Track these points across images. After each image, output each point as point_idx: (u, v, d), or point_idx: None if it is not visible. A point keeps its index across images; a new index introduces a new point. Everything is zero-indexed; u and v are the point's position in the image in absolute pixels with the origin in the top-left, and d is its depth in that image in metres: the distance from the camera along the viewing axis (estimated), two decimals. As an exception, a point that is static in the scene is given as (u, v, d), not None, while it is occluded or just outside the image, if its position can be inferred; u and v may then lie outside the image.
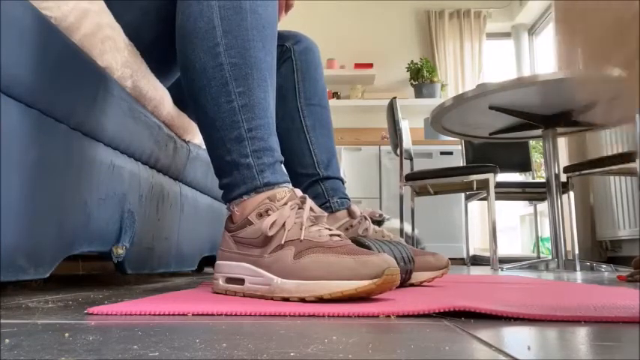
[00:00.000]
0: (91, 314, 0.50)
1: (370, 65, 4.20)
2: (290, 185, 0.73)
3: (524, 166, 3.25)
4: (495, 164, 2.48)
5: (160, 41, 0.87)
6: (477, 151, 3.28)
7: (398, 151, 2.76)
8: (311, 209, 0.69)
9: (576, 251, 2.45)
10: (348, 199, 1.02)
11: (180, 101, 1.04)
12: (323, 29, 4.21)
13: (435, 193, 2.79)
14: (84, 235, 0.69)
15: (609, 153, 2.85)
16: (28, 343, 0.34)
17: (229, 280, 0.70)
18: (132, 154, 0.85)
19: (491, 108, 2.27)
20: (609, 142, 2.95)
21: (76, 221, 0.67)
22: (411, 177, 2.66)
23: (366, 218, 0.99)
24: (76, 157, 0.67)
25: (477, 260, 3.45)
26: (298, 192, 0.71)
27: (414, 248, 0.97)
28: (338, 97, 4.20)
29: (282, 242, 0.65)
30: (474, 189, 2.62)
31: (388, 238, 0.97)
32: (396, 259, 0.79)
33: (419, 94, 4.14)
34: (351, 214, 0.99)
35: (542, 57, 4.34)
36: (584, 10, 0.37)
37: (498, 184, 2.67)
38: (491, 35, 4.49)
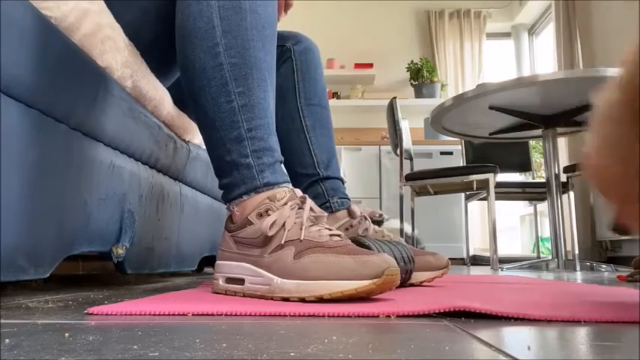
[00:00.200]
0: (91, 314, 0.50)
1: (370, 65, 4.20)
2: (290, 185, 0.73)
3: (524, 166, 3.25)
4: (495, 164, 2.48)
5: (159, 41, 0.87)
6: (477, 151, 3.28)
7: (398, 151, 2.76)
8: (311, 209, 0.69)
9: (576, 251, 2.45)
10: (348, 199, 1.02)
11: (180, 101, 1.04)
12: (323, 29, 4.21)
13: (435, 193, 2.79)
14: (84, 235, 0.69)
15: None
16: (28, 343, 0.34)
17: (229, 280, 0.70)
18: (132, 154, 0.85)
19: (491, 108, 2.27)
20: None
21: (76, 221, 0.67)
22: (411, 177, 2.66)
23: (366, 218, 0.99)
24: (76, 157, 0.67)
25: (477, 260, 3.45)
26: (298, 192, 0.71)
27: (414, 248, 0.97)
28: (338, 97, 4.20)
29: (282, 242, 0.65)
30: (474, 189, 2.62)
31: (388, 238, 0.97)
32: (396, 259, 0.79)
33: (419, 94, 4.15)
34: (351, 214, 0.99)
35: (542, 57, 4.34)
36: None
37: (498, 184, 2.67)
38: (491, 35, 4.49)
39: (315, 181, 1.01)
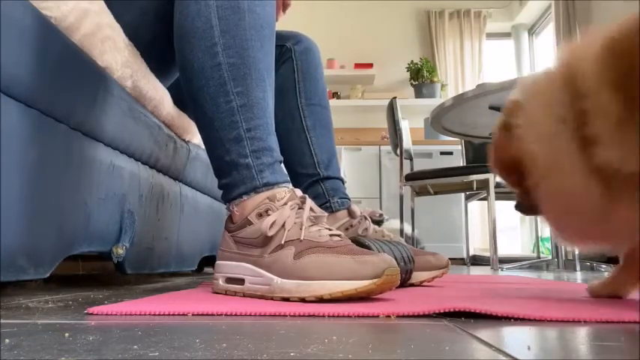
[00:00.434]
0: (91, 314, 0.50)
1: (370, 65, 4.20)
2: (290, 185, 0.73)
3: (524, 166, 3.24)
4: (495, 164, 2.47)
5: (158, 41, 0.87)
6: (477, 151, 3.28)
7: (398, 151, 2.76)
8: (311, 209, 0.69)
9: (576, 251, 2.45)
10: (348, 199, 1.02)
11: (180, 101, 1.04)
12: (323, 29, 4.21)
13: (435, 193, 2.79)
14: (84, 235, 0.69)
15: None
16: (28, 343, 0.34)
17: (229, 280, 0.70)
18: (132, 154, 0.85)
19: (491, 108, 2.27)
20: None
21: (75, 221, 0.67)
22: (411, 177, 2.66)
23: (366, 218, 0.99)
24: (76, 157, 0.67)
25: (476, 260, 3.45)
26: (298, 192, 0.71)
27: (414, 248, 0.97)
28: (338, 97, 4.20)
29: (282, 242, 0.65)
30: (474, 189, 2.62)
31: (388, 238, 0.98)
32: (396, 259, 0.78)
33: (419, 94, 4.14)
34: (351, 214, 0.99)
35: (542, 57, 4.34)
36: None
37: (498, 184, 2.66)
38: (491, 35, 4.49)
39: (316, 181, 1.01)
